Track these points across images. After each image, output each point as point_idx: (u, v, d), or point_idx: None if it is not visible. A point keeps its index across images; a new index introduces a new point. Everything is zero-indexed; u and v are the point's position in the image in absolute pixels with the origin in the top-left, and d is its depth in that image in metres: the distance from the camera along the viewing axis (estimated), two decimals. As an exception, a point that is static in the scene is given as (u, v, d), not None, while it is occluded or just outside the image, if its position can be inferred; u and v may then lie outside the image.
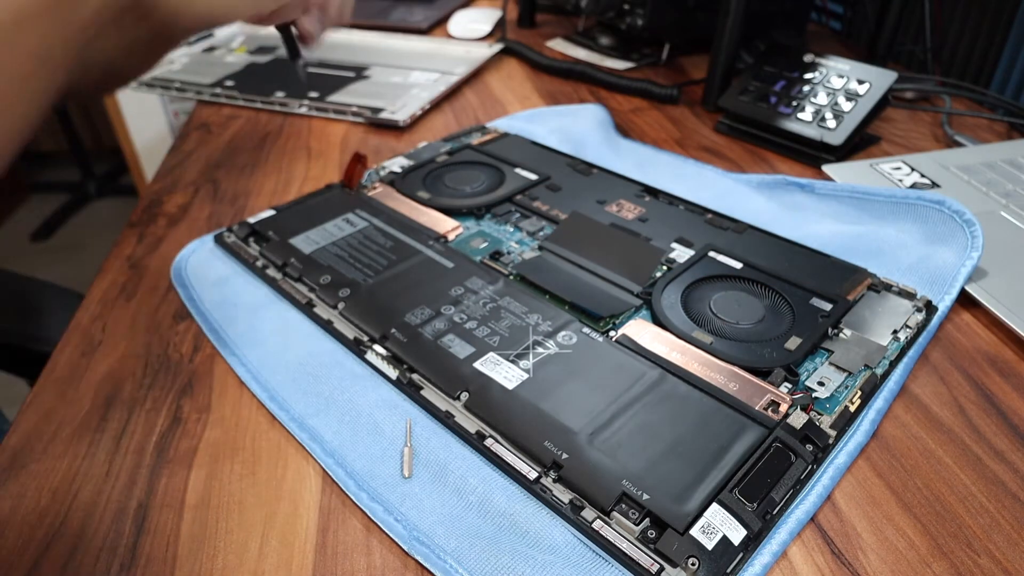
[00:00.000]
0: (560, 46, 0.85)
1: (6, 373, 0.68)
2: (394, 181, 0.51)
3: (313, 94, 0.69)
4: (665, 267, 0.42)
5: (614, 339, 0.36)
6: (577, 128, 0.61)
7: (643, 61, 0.81)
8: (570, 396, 0.32)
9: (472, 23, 0.90)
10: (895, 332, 0.37)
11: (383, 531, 0.29)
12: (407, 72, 0.75)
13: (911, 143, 0.62)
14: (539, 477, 0.30)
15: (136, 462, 0.32)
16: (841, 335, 0.37)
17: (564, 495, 0.29)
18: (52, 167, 2.19)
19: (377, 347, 0.36)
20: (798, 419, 0.31)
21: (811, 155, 0.58)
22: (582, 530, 0.28)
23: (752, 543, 0.27)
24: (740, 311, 0.38)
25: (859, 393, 0.33)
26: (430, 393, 0.34)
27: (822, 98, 0.59)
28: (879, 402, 0.33)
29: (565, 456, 0.29)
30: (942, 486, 0.30)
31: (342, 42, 0.84)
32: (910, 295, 0.39)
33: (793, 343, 0.35)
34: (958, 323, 0.40)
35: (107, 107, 1.55)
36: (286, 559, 0.28)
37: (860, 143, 0.60)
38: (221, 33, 0.88)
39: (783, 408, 0.31)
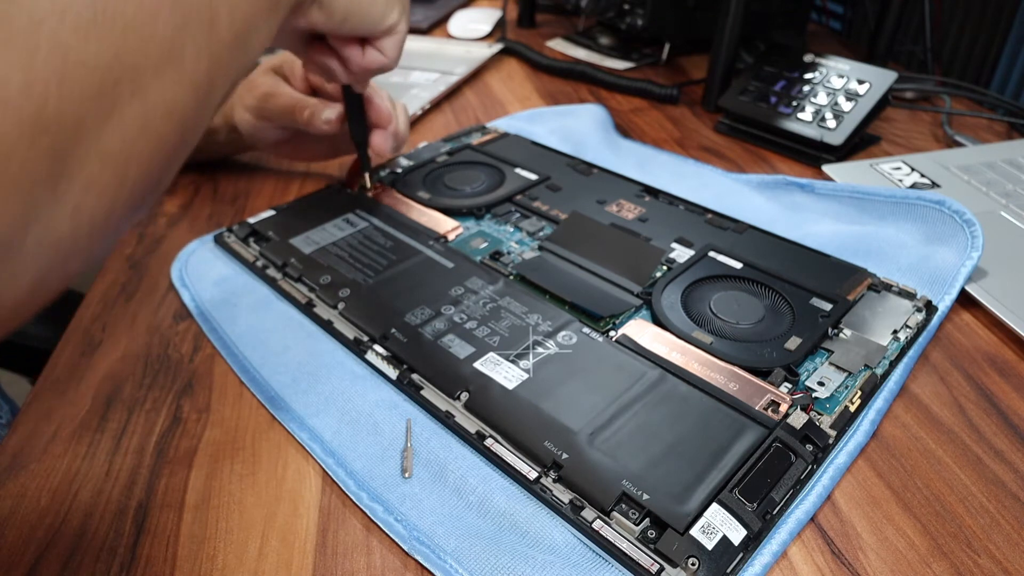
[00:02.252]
0: (560, 46, 0.85)
1: (7, 371, 0.69)
2: (394, 181, 0.51)
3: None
4: (665, 267, 0.42)
5: (614, 339, 0.36)
6: (577, 128, 0.61)
7: (643, 61, 0.81)
8: (570, 396, 0.32)
9: (472, 23, 0.90)
10: (895, 332, 0.37)
11: (383, 531, 0.29)
12: (407, 72, 0.75)
13: (911, 143, 0.62)
14: (539, 477, 0.30)
15: (136, 462, 0.32)
16: (841, 335, 0.37)
17: (564, 495, 0.29)
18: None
19: (377, 347, 0.36)
20: (798, 419, 0.31)
21: (811, 155, 0.58)
22: (582, 530, 0.28)
23: (752, 543, 0.27)
24: (740, 311, 0.38)
25: (859, 393, 0.33)
26: (430, 393, 0.34)
27: (822, 98, 0.59)
28: (879, 402, 0.33)
29: (565, 456, 0.29)
30: (942, 486, 0.30)
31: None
32: (910, 295, 0.39)
33: (793, 343, 0.35)
34: (958, 323, 0.40)
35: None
36: (286, 559, 0.28)
37: (860, 143, 0.60)
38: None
39: (783, 408, 0.31)
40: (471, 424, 0.32)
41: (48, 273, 0.19)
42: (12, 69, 0.17)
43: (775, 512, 0.28)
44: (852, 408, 0.32)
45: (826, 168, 0.55)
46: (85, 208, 0.19)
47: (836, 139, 0.56)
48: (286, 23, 0.31)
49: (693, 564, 0.26)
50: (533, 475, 0.30)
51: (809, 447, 0.30)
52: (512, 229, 0.46)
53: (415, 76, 0.74)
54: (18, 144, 0.17)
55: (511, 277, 0.41)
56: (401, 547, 0.28)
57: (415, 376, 0.35)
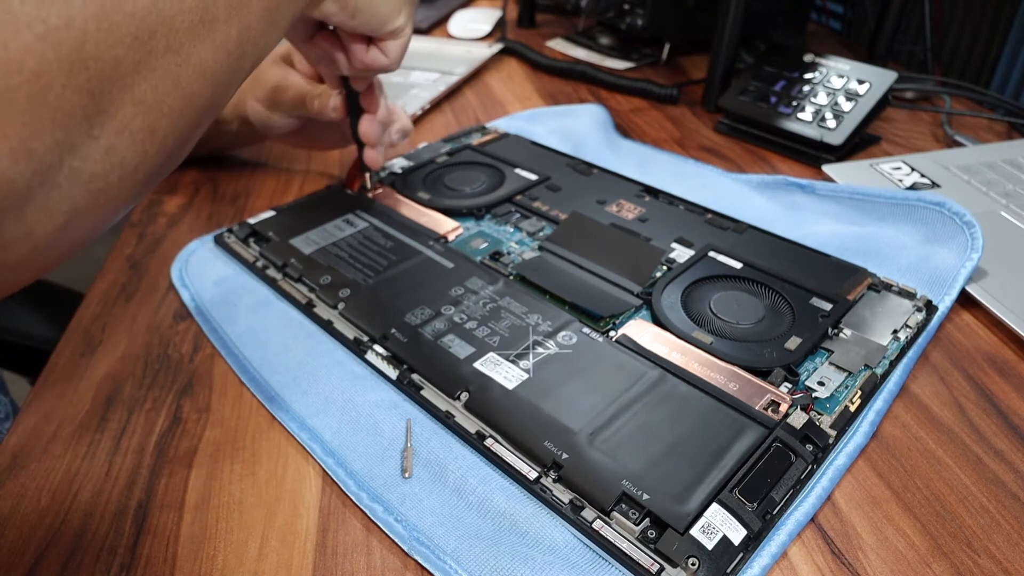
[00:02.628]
0: (560, 46, 0.85)
1: (7, 371, 0.68)
2: (394, 182, 0.51)
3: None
4: (665, 267, 0.42)
5: (614, 339, 0.36)
6: (577, 128, 0.61)
7: (643, 61, 0.81)
8: (570, 396, 0.32)
9: (472, 23, 0.90)
10: (895, 332, 0.37)
11: (383, 531, 0.29)
12: (407, 72, 0.75)
13: (911, 143, 0.62)
14: (539, 477, 0.30)
15: (136, 462, 0.32)
16: (841, 335, 0.37)
17: (564, 495, 0.29)
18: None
19: (377, 347, 0.36)
20: (798, 419, 0.31)
21: (811, 155, 0.58)
22: (582, 530, 0.28)
23: (752, 543, 0.27)
24: (740, 311, 0.38)
25: (859, 393, 0.33)
26: (430, 393, 0.34)
27: (822, 98, 0.59)
28: (879, 402, 0.33)
29: (565, 456, 0.29)
30: (942, 486, 0.30)
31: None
32: (910, 295, 0.39)
33: (793, 343, 0.35)
34: (958, 323, 0.40)
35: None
36: (286, 559, 0.28)
37: (860, 143, 0.60)
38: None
39: (783, 408, 0.31)
40: (471, 424, 0.32)
41: (80, 211, 0.20)
42: (53, 3, 0.18)
43: (775, 512, 0.28)
44: (852, 408, 0.32)
45: (826, 168, 0.55)
46: (117, 151, 0.21)
47: (836, 139, 0.56)
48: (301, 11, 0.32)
49: (693, 564, 0.26)
50: (533, 475, 0.30)
51: (809, 447, 0.30)
52: (512, 229, 0.46)
53: (415, 76, 0.74)
54: (58, 75, 0.18)
55: (511, 277, 0.41)
56: (401, 547, 0.28)
57: (415, 376, 0.35)
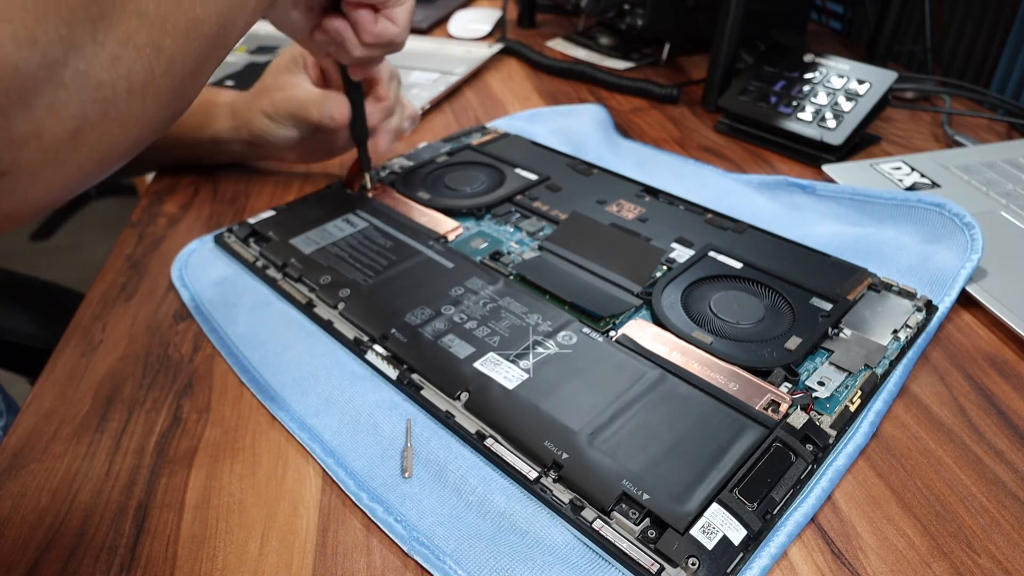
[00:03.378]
0: (560, 46, 0.85)
1: (7, 372, 0.68)
2: (394, 182, 0.51)
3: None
4: (665, 267, 0.42)
5: (614, 339, 0.36)
6: (577, 128, 0.61)
7: (643, 61, 0.81)
8: (570, 396, 0.32)
9: (472, 23, 0.90)
10: (895, 332, 0.37)
11: (383, 531, 0.29)
12: (407, 72, 0.75)
13: (911, 143, 0.62)
14: (539, 477, 0.30)
15: (136, 462, 0.32)
16: (841, 335, 0.37)
17: (564, 495, 0.29)
18: (52, 167, 2.18)
19: (377, 347, 0.36)
20: (798, 419, 0.31)
21: (811, 155, 0.58)
22: (582, 530, 0.28)
23: (752, 543, 0.27)
24: (740, 311, 0.38)
25: (859, 393, 0.33)
26: (430, 393, 0.34)
27: (822, 98, 0.59)
28: (879, 402, 0.33)
29: (565, 456, 0.29)
30: (942, 486, 0.30)
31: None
32: (910, 295, 0.39)
33: (793, 343, 0.35)
34: (958, 323, 0.40)
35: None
36: (286, 559, 0.28)
37: (860, 143, 0.60)
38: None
39: (783, 408, 0.31)
40: (471, 424, 0.32)
41: (89, 122, 0.21)
42: None
43: (775, 512, 0.28)
44: (852, 408, 0.32)
45: (826, 168, 0.55)
46: (123, 62, 0.21)
47: (836, 139, 0.56)
48: None
49: (693, 564, 0.26)
50: (533, 475, 0.30)
51: (809, 447, 0.30)
52: (512, 229, 0.46)
53: (415, 76, 0.74)
54: None
55: (511, 277, 0.41)
56: (401, 548, 0.28)
57: (415, 376, 0.35)
